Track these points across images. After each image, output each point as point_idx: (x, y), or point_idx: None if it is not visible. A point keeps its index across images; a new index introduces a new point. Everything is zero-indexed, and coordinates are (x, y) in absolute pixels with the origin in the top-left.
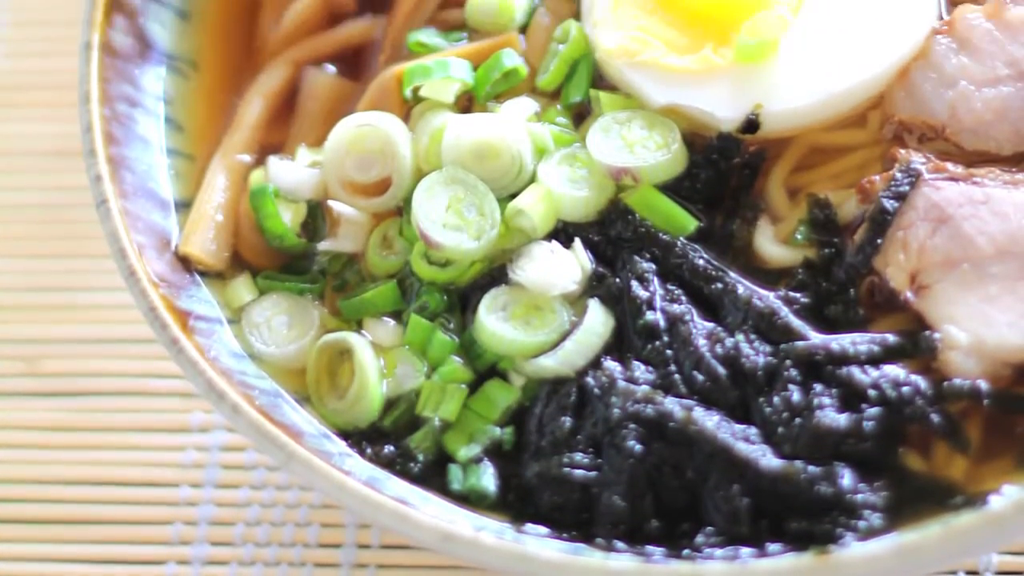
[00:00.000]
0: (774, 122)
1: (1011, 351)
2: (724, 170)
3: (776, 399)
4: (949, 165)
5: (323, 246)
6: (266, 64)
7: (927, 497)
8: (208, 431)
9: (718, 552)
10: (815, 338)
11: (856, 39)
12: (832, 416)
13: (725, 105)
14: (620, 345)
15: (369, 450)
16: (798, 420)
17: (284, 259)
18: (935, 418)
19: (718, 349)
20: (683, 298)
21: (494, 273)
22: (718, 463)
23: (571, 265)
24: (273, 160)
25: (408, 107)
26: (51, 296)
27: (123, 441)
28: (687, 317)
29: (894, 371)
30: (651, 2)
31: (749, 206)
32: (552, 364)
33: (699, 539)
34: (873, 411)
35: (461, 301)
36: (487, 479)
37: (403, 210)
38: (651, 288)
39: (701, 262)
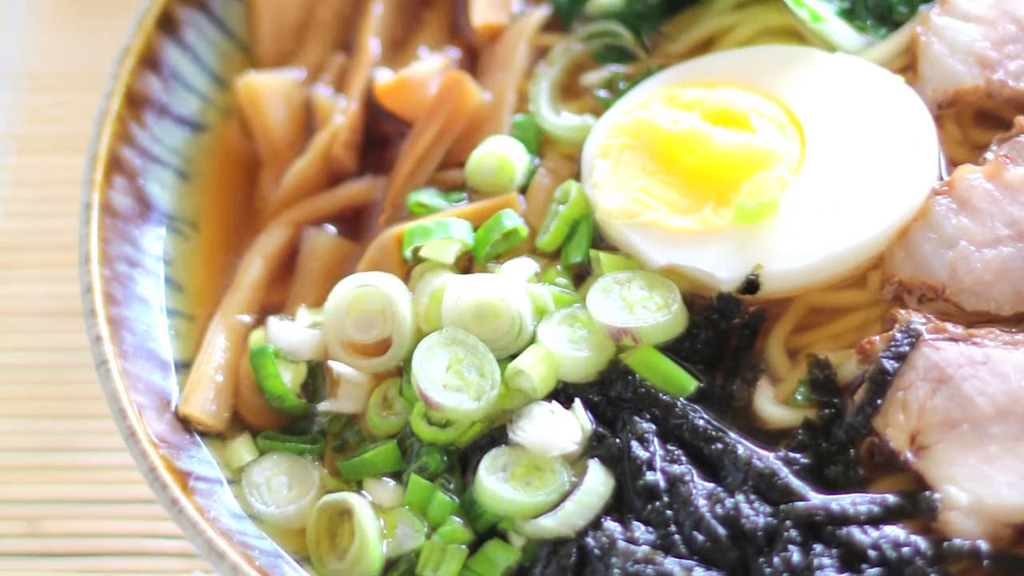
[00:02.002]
0: (774, 283)
1: (1011, 511)
2: (724, 331)
3: (776, 560)
4: (949, 326)
5: (323, 407)
6: (266, 224)
7: None
8: None
9: None
10: (815, 499)
11: (856, 199)
12: None
13: (725, 265)
14: (620, 505)
15: None
16: None
17: (284, 419)
18: None
19: (718, 509)
20: (683, 458)
21: (494, 433)
22: None
23: (571, 426)
24: (273, 321)
25: (408, 267)
26: (52, 456)
27: None
28: (687, 477)
29: (894, 531)
30: (651, 163)
31: (749, 367)
32: (552, 524)
33: None
34: (873, 572)
35: (461, 461)
36: None
37: (403, 370)
38: (651, 448)
39: (701, 422)
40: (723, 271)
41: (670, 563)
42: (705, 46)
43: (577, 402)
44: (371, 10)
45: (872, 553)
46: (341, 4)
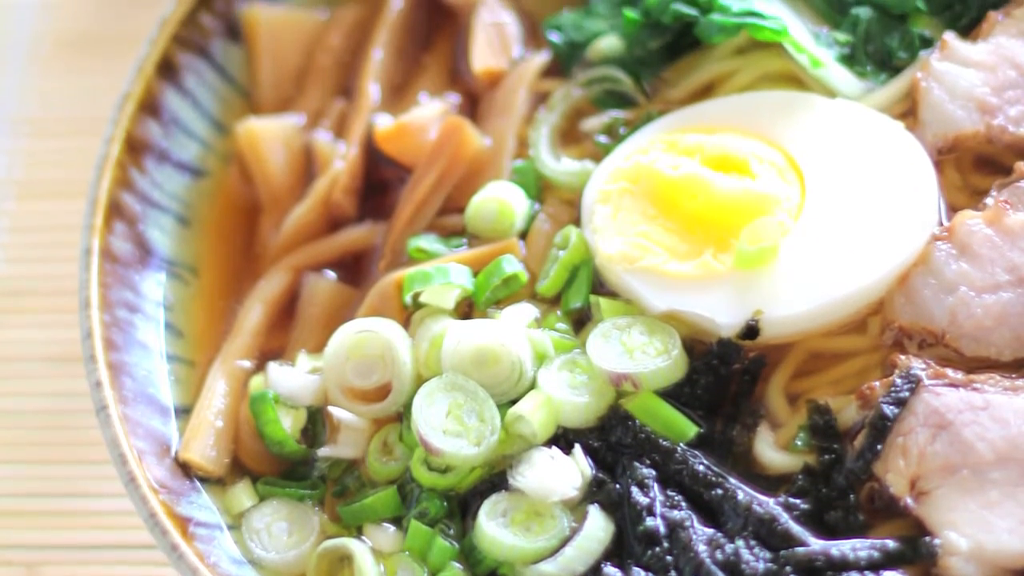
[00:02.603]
0: (774, 328)
1: (1011, 557)
2: (724, 376)
3: None
4: (949, 371)
5: (323, 452)
6: (266, 270)
7: None
8: None
9: None
10: (815, 544)
11: (856, 245)
12: None
13: (725, 311)
14: (620, 551)
15: None
16: None
17: (284, 465)
18: None
19: (718, 555)
20: (683, 504)
21: (494, 479)
22: None
23: (571, 471)
24: (273, 366)
25: (408, 313)
26: (52, 502)
27: None
28: (687, 523)
29: None
30: (651, 208)
31: (749, 412)
32: (552, 570)
33: None
34: None
35: (461, 507)
36: None
37: (403, 416)
38: (651, 494)
39: (701, 468)
40: (723, 316)
41: None
42: (705, 91)
43: (577, 447)
44: (371, 55)
45: None
46: (341, 50)
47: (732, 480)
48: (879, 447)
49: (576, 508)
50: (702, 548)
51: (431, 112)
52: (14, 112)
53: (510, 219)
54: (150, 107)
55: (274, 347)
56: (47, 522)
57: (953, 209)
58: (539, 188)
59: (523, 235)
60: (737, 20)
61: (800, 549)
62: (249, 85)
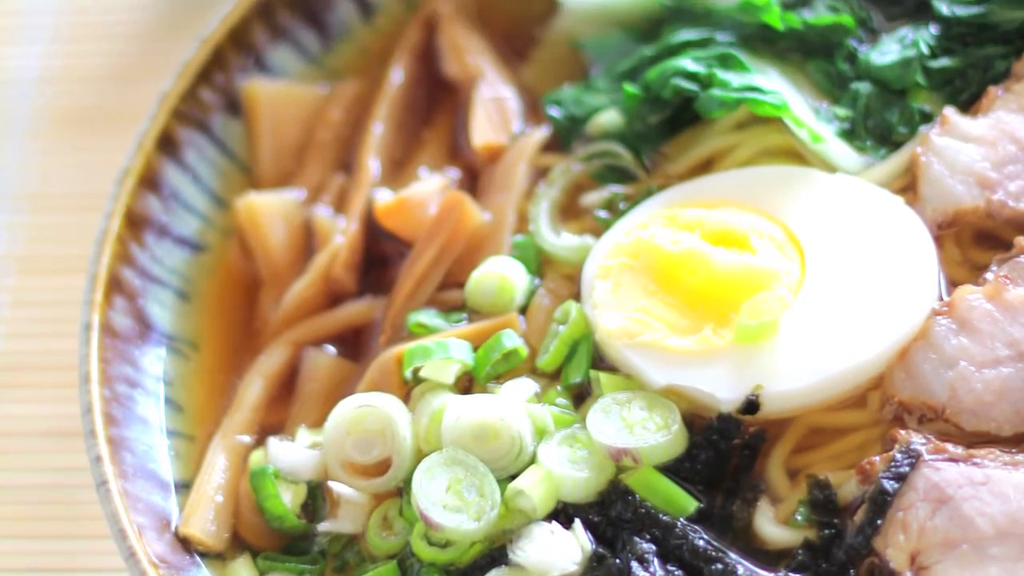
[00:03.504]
0: (774, 403)
1: None
2: (724, 451)
3: None
4: (949, 446)
5: (323, 527)
6: (266, 345)
7: None
8: None
9: None
10: None
11: (856, 320)
12: None
13: (725, 386)
14: None
15: None
16: None
17: (284, 540)
18: None
19: None
20: None
21: (494, 553)
22: None
23: (571, 546)
24: (273, 441)
25: (408, 388)
26: None
27: None
28: None
29: None
30: (651, 283)
31: (749, 487)
32: None
33: None
34: None
35: None
36: None
37: (403, 491)
38: (651, 569)
39: (701, 543)
40: (723, 391)
41: None
42: (705, 166)
43: (577, 522)
44: (371, 130)
45: None
46: (340, 125)
47: (732, 555)
48: (879, 522)
49: None
50: None
51: (431, 187)
52: (14, 187)
53: (510, 294)
54: (150, 182)
55: (274, 422)
56: None
57: (953, 284)
58: (539, 263)
59: (523, 310)
60: (737, 95)
61: None
62: (249, 160)
